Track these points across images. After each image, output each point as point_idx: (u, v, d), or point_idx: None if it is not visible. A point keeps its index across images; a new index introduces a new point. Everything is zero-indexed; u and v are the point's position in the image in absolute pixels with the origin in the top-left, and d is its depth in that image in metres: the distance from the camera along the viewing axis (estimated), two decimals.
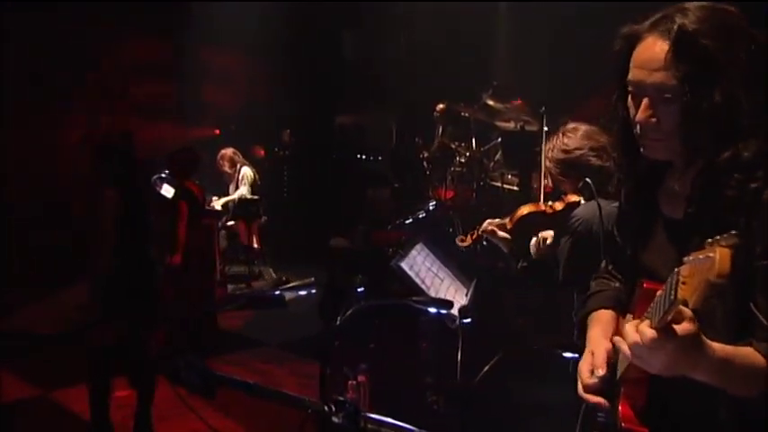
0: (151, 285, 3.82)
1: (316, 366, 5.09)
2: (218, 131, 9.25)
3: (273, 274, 7.60)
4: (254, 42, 8.62)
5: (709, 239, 1.08)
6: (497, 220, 2.97)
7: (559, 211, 2.73)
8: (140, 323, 3.73)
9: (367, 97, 9.04)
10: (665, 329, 1.16)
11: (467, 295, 3.14)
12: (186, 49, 8.39)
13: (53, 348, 5.21)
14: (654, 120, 1.37)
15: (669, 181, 1.49)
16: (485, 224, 2.93)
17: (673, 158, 1.44)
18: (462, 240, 3.09)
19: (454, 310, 2.63)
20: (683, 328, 1.15)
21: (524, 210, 2.83)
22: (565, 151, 2.60)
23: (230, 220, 7.47)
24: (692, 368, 1.22)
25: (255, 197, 7.54)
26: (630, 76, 1.39)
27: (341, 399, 1.36)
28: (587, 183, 2.12)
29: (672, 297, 1.11)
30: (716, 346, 1.23)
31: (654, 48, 1.34)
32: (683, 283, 1.09)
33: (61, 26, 7.12)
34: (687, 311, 1.14)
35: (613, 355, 1.47)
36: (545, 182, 2.76)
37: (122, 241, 3.61)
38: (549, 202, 2.80)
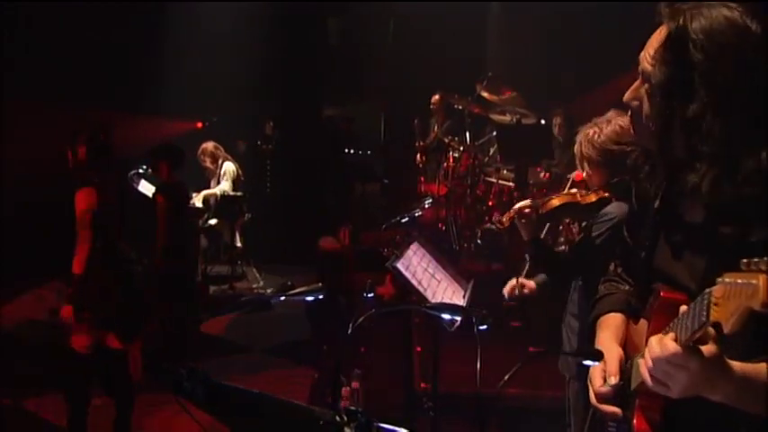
0: (130, 286, 3.67)
1: (302, 372, 4.95)
2: (200, 125, 9.00)
3: (257, 274, 7.45)
4: (237, 30, 8.45)
5: (745, 260, 1.03)
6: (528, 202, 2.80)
7: (593, 202, 2.61)
8: (118, 326, 3.57)
9: (354, 88, 8.88)
10: (690, 348, 1.15)
11: (464, 297, 3.04)
12: (168, 38, 8.19)
13: (26, 353, 5.06)
14: (636, 103, 1.39)
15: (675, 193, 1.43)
16: (521, 204, 2.73)
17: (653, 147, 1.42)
18: (501, 222, 2.86)
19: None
20: (709, 349, 1.15)
21: (559, 200, 2.70)
22: (616, 142, 2.41)
23: (212, 218, 7.27)
24: (712, 389, 1.20)
25: (238, 194, 7.35)
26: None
27: (352, 408, 1.32)
28: (627, 182, 2.00)
29: (703, 318, 1.09)
30: (735, 365, 1.20)
31: (658, 36, 1.35)
32: (716, 304, 1.06)
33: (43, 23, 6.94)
34: (711, 331, 1.13)
35: (626, 363, 1.44)
36: (577, 169, 2.62)
37: (100, 240, 3.47)
38: (574, 190, 2.69)
